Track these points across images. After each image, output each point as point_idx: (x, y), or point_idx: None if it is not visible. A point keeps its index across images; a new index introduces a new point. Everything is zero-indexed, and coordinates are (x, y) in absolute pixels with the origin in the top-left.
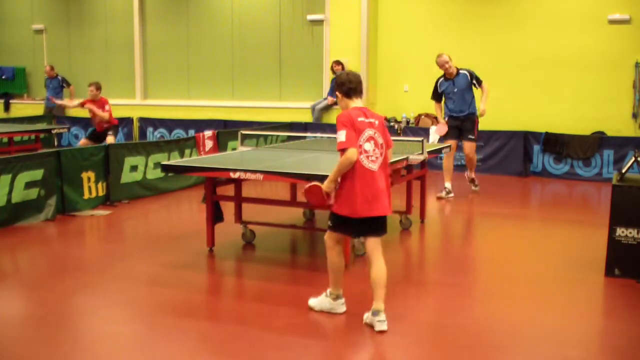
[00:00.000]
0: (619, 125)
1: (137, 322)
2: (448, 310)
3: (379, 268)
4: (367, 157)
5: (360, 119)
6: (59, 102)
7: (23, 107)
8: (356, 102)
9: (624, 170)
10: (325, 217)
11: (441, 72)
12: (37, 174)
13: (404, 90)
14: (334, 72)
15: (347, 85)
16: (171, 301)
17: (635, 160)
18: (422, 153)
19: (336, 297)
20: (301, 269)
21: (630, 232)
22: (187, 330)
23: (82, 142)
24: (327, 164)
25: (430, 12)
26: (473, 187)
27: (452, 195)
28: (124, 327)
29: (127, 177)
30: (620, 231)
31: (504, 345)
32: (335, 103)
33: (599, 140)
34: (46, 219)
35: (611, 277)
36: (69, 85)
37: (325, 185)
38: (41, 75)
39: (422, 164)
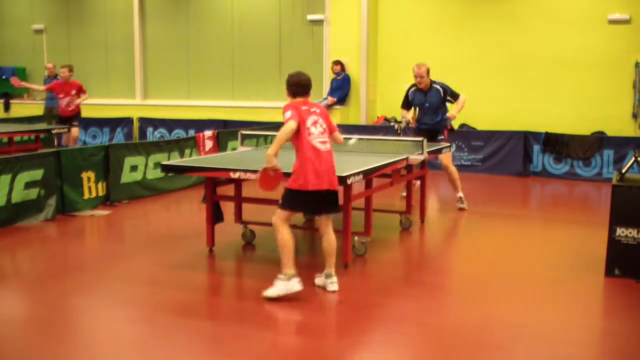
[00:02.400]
0: (619, 125)
1: (137, 322)
2: (448, 310)
3: (329, 239)
4: (315, 138)
5: (304, 107)
6: (24, 84)
7: (23, 107)
8: (300, 99)
9: (624, 170)
10: None
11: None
12: (37, 174)
13: (404, 90)
14: (334, 72)
15: (294, 87)
16: (171, 301)
17: (635, 160)
18: (422, 153)
19: (290, 278)
20: (301, 269)
21: (630, 232)
22: (187, 330)
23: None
24: None
25: (430, 12)
26: (460, 205)
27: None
28: (124, 327)
29: (127, 177)
30: (620, 231)
31: (504, 345)
32: (336, 103)
33: (599, 140)
34: (46, 219)
35: (611, 277)
36: None
37: (267, 158)
38: (41, 75)
39: (422, 163)
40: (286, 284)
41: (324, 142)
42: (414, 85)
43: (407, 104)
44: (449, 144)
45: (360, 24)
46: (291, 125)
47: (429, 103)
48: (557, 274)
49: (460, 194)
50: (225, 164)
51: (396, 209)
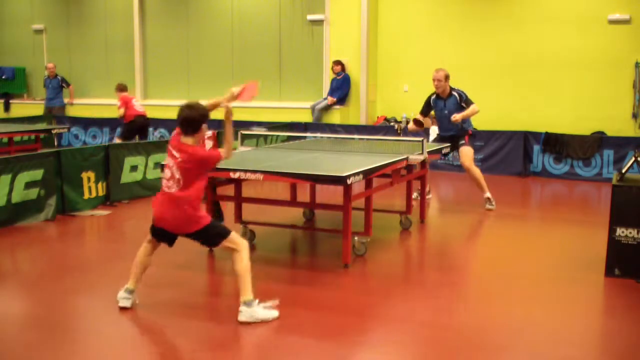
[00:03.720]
0: (619, 125)
1: (137, 322)
2: (448, 310)
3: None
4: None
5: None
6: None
7: (23, 107)
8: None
9: (624, 170)
10: (325, 217)
11: None
12: (37, 174)
13: (404, 90)
14: (334, 72)
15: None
16: (171, 301)
17: (635, 160)
18: (422, 153)
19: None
20: (301, 269)
21: (630, 232)
22: (187, 330)
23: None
24: (327, 163)
25: (430, 12)
26: (488, 206)
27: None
28: (124, 327)
29: (127, 177)
30: (620, 231)
31: (504, 345)
32: (336, 103)
33: (599, 140)
34: (46, 219)
35: (611, 277)
36: (68, 85)
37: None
38: (41, 75)
39: (422, 163)
40: (264, 308)
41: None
42: (434, 93)
43: (425, 111)
44: (449, 144)
45: (360, 24)
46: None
47: (448, 110)
48: (557, 274)
49: (487, 194)
50: (225, 164)
51: (396, 208)
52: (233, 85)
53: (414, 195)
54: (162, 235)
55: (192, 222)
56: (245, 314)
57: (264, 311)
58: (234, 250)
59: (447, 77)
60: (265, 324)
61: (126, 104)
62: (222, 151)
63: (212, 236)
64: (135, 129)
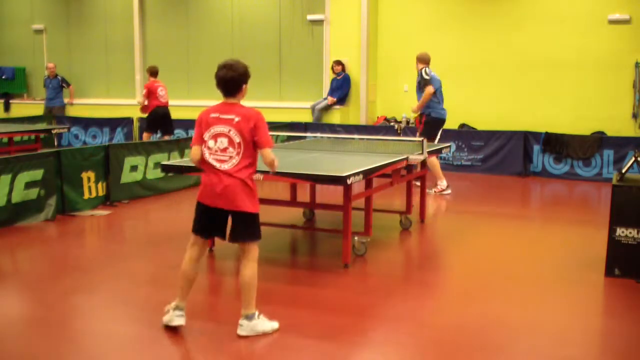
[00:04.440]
0: (619, 125)
1: (137, 322)
2: (448, 310)
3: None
4: (212, 154)
5: (214, 115)
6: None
7: (23, 107)
8: (224, 99)
9: (624, 170)
10: (325, 217)
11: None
12: (37, 174)
13: (404, 90)
14: (334, 72)
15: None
16: (171, 301)
17: (635, 160)
18: (422, 153)
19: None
20: (301, 269)
21: (630, 232)
22: (187, 330)
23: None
24: (327, 163)
25: (430, 12)
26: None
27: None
28: (124, 327)
29: (127, 177)
30: (620, 231)
31: (504, 345)
32: (336, 103)
33: (599, 140)
34: (46, 219)
35: (611, 277)
36: (68, 85)
37: None
38: (41, 75)
39: (422, 163)
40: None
41: (222, 161)
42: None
43: None
44: (449, 145)
45: (360, 24)
46: (192, 157)
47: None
48: (557, 274)
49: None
50: None
51: (396, 208)
52: None
53: (430, 190)
54: (212, 224)
55: (248, 198)
56: (246, 328)
57: (264, 323)
58: (250, 259)
59: (418, 59)
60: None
61: (151, 93)
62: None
63: (252, 228)
64: (158, 120)
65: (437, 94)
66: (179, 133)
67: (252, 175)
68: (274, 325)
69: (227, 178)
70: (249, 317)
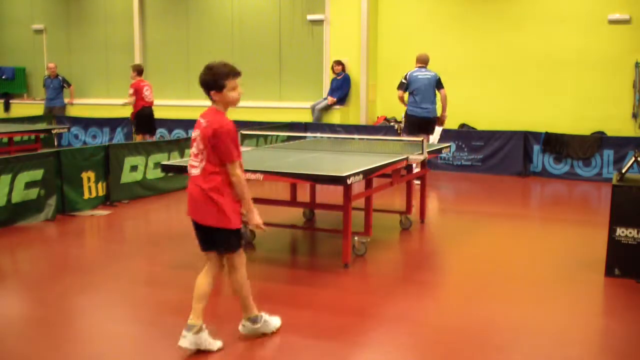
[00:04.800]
0: (619, 125)
1: (137, 322)
2: (448, 310)
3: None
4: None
5: (199, 118)
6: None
7: (23, 107)
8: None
9: (624, 170)
10: (325, 217)
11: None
12: (37, 174)
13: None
14: (335, 72)
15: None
16: (171, 301)
17: (635, 160)
18: (422, 153)
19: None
20: (301, 269)
21: (630, 232)
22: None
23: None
24: (327, 163)
25: (430, 12)
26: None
27: None
28: (124, 327)
29: (127, 177)
30: (620, 231)
31: (504, 345)
32: (336, 103)
33: (599, 140)
34: (46, 219)
35: (611, 277)
36: (69, 85)
37: None
38: (41, 75)
39: (422, 163)
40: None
41: (193, 167)
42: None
43: None
44: (449, 145)
45: (360, 24)
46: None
47: None
48: (557, 274)
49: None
50: None
51: (396, 208)
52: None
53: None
54: (200, 234)
55: (215, 211)
56: (248, 328)
57: (268, 325)
58: (236, 267)
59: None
60: None
61: (137, 93)
62: (240, 162)
63: (226, 244)
64: (146, 120)
65: (416, 94)
66: (178, 133)
67: (221, 186)
68: (276, 324)
69: (194, 187)
70: (253, 320)
